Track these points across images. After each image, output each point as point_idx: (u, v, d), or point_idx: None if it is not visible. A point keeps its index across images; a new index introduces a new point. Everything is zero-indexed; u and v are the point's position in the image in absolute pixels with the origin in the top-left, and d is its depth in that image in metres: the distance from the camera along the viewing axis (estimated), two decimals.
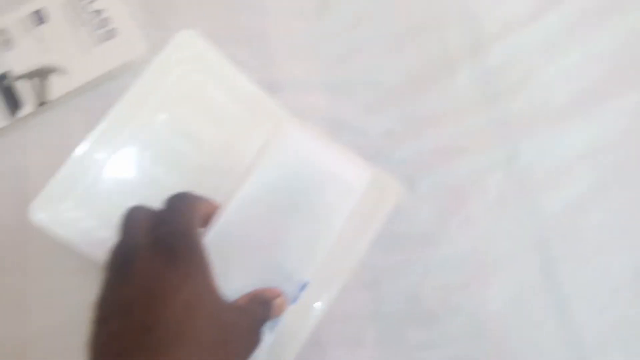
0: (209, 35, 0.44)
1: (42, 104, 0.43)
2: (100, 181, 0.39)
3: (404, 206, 0.42)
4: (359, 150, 0.42)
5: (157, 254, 0.24)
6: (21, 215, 0.36)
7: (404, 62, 0.45)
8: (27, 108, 0.43)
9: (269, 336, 0.31)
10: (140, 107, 0.40)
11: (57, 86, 0.43)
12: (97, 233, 0.37)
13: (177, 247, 0.25)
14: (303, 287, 0.41)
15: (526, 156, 0.43)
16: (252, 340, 0.29)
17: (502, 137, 0.44)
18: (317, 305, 0.39)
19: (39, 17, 0.44)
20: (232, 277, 0.31)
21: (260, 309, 0.30)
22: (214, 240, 0.29)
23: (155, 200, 0.29)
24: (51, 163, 0.43)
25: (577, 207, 0.43)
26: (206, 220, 0.30)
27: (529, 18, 0.46)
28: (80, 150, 0.39)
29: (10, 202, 0.41)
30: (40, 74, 0.43)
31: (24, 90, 0.43)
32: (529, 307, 0.41)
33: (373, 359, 0.40)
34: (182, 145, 0.41)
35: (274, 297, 0.31)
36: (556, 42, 0.46)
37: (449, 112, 0.44)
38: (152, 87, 0.40)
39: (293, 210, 0.32)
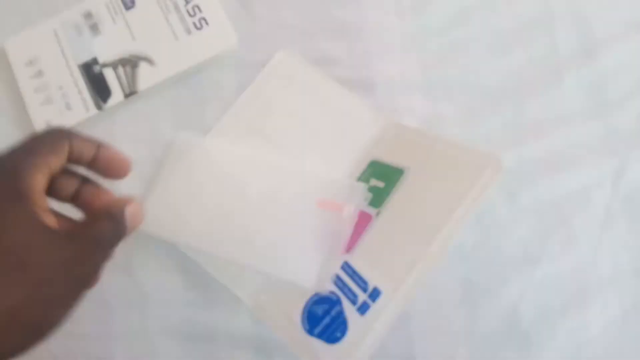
0: (301, 29, 0.42)
1: (130, 94, 0.42)
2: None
3: (502, 220, 0.39)
4: None
5: None
6: None
7: (508, 64, 0.42)
8: (116, 98, 0.42)
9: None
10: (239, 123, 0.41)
11: (145, 76, 0.42)
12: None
13: None
14: (375, 295, 0.39)
15: (636, 171, 0.40)
16: (84, 271, 0.26)
17: (611, 150, 0.41)
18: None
19: (129, 0, 0.43)
20: None
21: (108, 226, 0.27)
22: None
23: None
24: (139, 155, 0.42)
25: None
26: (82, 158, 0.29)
27: None
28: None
29: None
30: (130, 63, 0.42)
31: (112, 79, 0.42)
32: (632, 333, 0.39)
33: None
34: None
35: (123, 206, 0.28)
36: None
37: (554, 121, 0.41)
38: (250, 106, 0.42)
39: None
